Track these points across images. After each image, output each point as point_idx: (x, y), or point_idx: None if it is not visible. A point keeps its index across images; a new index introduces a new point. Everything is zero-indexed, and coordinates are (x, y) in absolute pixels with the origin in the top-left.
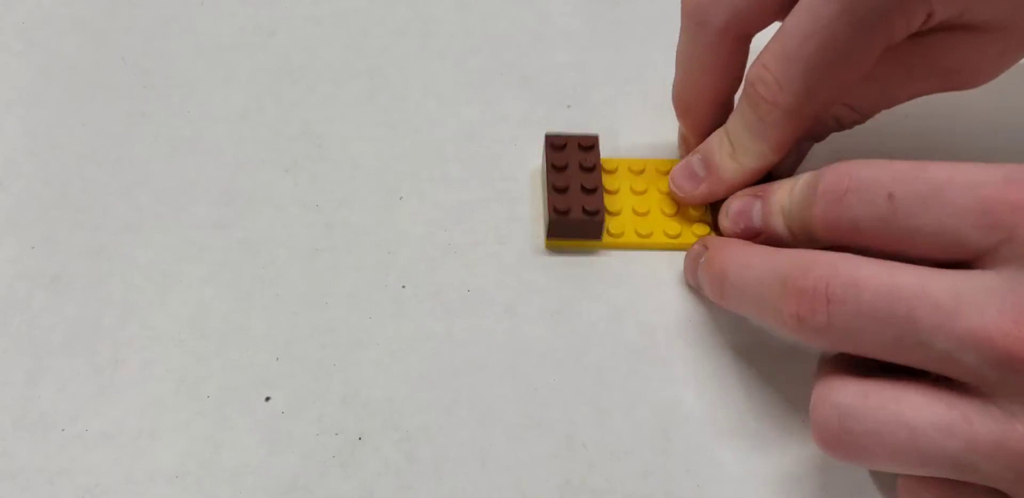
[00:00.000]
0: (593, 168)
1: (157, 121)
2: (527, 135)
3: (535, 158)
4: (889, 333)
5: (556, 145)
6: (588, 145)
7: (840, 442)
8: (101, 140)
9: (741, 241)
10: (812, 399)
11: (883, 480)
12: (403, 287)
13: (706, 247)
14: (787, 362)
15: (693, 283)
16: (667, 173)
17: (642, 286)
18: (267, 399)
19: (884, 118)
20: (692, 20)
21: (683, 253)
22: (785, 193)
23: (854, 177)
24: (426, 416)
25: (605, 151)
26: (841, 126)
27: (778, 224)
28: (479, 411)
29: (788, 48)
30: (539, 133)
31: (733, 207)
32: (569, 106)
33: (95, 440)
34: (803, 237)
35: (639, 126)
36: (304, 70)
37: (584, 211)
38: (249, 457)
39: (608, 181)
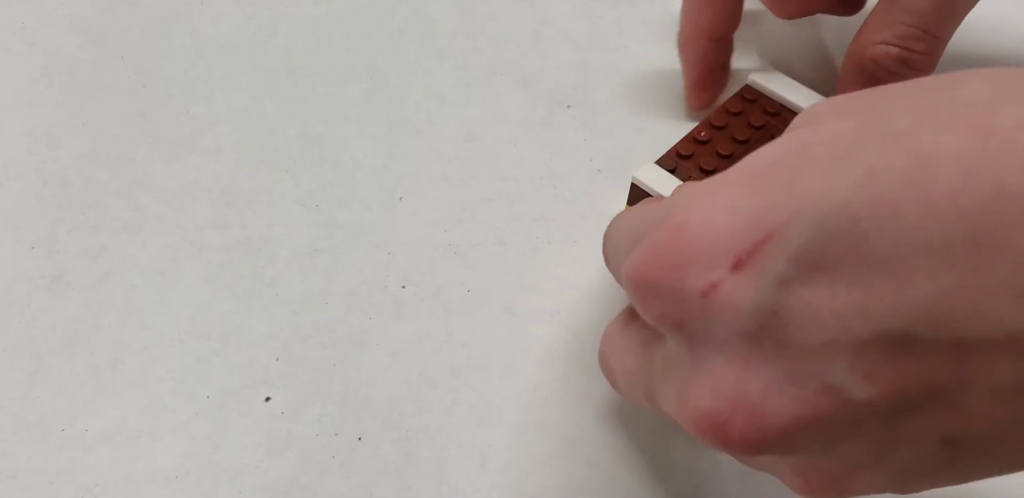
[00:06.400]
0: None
1: (157, 121)
2: (527, 135)
3: (535, 158)
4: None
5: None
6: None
7: (602, 366)
8: (101, 140)
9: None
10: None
11: None
12: (403, 287)
13: None
14: None
15: None
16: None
17: None
18: (267, 399)
19: None
20: None
21: None
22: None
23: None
24: (426, 416)
25: (603, 152)
26: None
27: None
28: (479, 411)
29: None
30: (539, 133)
31: None
32: (569, 106)
33: (95, 440)
34: None
35: (639, 126)
36: (304, 70)
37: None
38: (249, 457)
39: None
